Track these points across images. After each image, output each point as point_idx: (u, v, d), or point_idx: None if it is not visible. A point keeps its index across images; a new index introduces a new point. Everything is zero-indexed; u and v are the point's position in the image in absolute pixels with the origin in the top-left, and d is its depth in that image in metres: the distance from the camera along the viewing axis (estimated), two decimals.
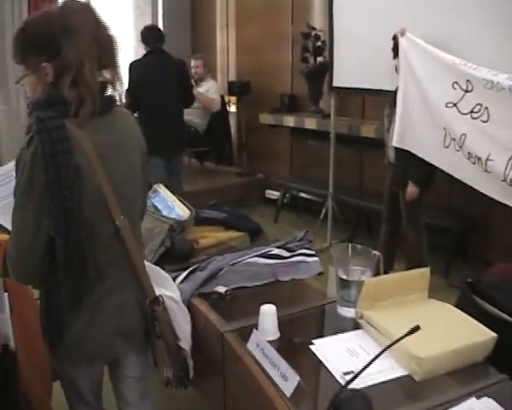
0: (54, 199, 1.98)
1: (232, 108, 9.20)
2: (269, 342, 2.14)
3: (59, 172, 1.97)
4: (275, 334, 2.28)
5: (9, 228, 2.14)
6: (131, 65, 6.52)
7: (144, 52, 6.64)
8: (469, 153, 3.99)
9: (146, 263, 2.43)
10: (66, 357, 2.30)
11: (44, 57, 2.03)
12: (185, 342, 2.57)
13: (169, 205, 3.37)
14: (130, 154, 2.30)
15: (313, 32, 7.54)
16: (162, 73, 6.38)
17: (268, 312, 2.28)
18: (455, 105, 4.06)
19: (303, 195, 8.03)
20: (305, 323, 2.57)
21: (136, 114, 6.89)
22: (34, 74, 2.09)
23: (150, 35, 6.55)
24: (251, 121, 8.79)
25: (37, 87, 2.11)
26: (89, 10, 2.10)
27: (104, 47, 2.10)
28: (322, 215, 6.99)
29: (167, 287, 2.56)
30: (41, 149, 1.95)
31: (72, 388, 2.43)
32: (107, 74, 2.16)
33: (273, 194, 8.65)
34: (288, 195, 8.22)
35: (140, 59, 6.65)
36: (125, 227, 2.19)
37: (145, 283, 2.33)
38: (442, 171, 4.49)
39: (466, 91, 3.98)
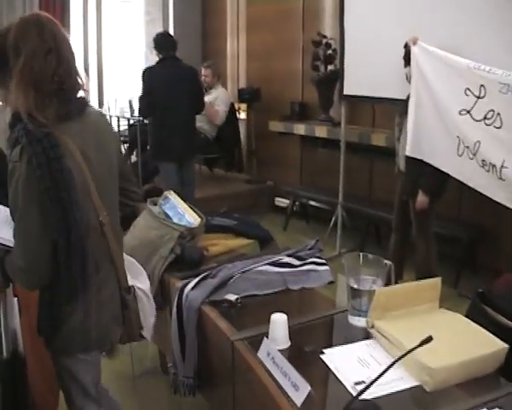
0: (53, 203, 2.08)
1: (242, 115, 9.20)
2: (279, 350, 2.13)
3: (54, 177, 2.08)
4: (285, 343, 2.27)
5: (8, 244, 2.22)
6: (145, 72, 6.59)
7: (155, 58, 6.74)
8: (483, 160, 3.96)
9: (124, 256, 2.58)
10: (64, 349, 2.38)
11: (5, 72, 2.13)
12: (147, 332, 2.70)
13: (179, 212, 3.37)
14: (109, 152, 2.42)
15: (324, 40, 7.54)
16: (175, 80, 6.43)
17: (279, 320, 2.27)
18: (468, 112, 4.04)
19: (312, 203, 8.02)
20: (316, 332, 2.57)
21: (146, 120, 6.98)
22: (1, 88, 2.20)
23: (163, 42, 6.62)
24: (261, 128, 8.79)
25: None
26: (43, 24, 2.18)
27: (59, 58, 2.17)
28: (331, 223, 6.98)
29: (140, 280, 2.69)
30: (35, 158, 2.04)
31: (74, 381, 2.48)
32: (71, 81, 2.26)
33: (282, 201, 8.64)
34: (297, 202, 8.21)
35: (153, 66, 6.71)
36: (107, 223, 2.33)
37: (120, 274, 2.47)
38: (451, 180, 4.48)
39: (478, 98, 3.96)
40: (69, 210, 2.12)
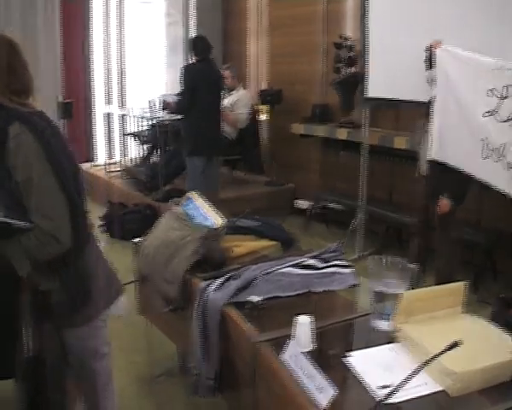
0: (63, 160, 2.34)
1: (263, 117, 9.17)
2: (303, 353, 2.12)
3: (58, 138, 2.41)
4: (309, 345, 2.26)
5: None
6: (186, 69, 6.94)
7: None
8: (509, 162, 3.90)
9: None
10: (90, 314, 2.54)
11: None
12: None
13: (202, 213, 3.36)
14: None
15: (346, 43, 7.52)
16: (212, 80, 6.93)
17: (304, 323, 2.26)
18: (492, 114, 3.99)
19: (332, 205, 7.98)
20: (339, 335, 2.56)
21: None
22: None
23: (201, 44, 6.98)
24: (282, 130, 8.78)
25: None
26: (6, 43, 2.36)
27: (16, 75, 2.36)
28: (351, 227, 6.95)
29: None
30: (39, 125, 2.29)
31: (94, 356, 2.67)
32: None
33: (302, 204, 8.61)
34: (317, 205, 8.18)
35: (193, 64, 7.07)
36: None
37: None
38: (472, 185, 4.45)
39: (502, 98, 3.92)
40: (76, 165, 2.47)
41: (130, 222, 7.19)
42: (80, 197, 2.44)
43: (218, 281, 2.89)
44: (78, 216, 2.37)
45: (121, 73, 10.04)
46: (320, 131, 7.98)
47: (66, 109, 8.69)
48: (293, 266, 3.08)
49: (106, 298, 2.60)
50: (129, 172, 8.75)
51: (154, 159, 8.87)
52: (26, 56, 2.41)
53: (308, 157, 8.76)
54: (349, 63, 7.52)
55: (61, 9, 9.03)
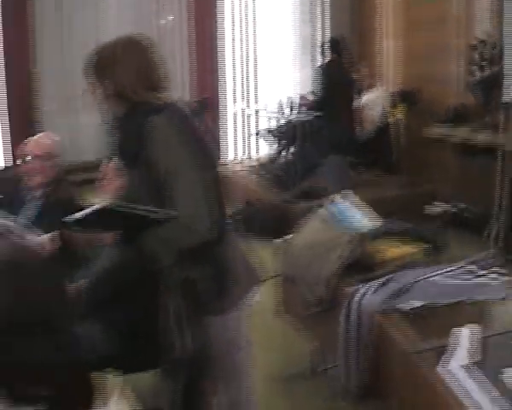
0: (196, 148, 2.40)
1: (396, 118, 9.05)
2: (465, 366, 2.07)
3: (192, 130, 2.50)
4: (472, 358, 2.18)
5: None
6: (320, 69, 7.42)
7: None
8: None
9: None
10: (233, 301, 2.58)
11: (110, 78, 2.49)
12: None
13: (353, 215, 3.33)
14: None
15: (483, 44, 7.32)
16: (345, 80, 7.33)
17: (468, 335, 2.19)
18: None
19: (467, 212, 7.77)
20: (495, 349, 2.47)
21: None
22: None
23: (336, 45, 7.34)
24: (415, 132, 8.61)
25: None
26: (139, 45, 2.54)
27: (151, 73, 2.50)
28: (488, 235, 6.73)
29: None
30: (177, 120, 2.39)
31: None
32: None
33: (435, 209, 8.40)
34: (450, 211, 7.97)
35: (327, 64, 7.40)
36: None
37: None
38: None
39: None
40: (213, 157, 2.62)
41: (263, 220, 7.21)
42: (218, 189, 2.50)
43: (373, 285, 2.86)
44: (216, 207, 2.41)
45: (255, 70, 10.16)
46: (456, 134, 7.77)
47: (200, 107, 8.87)
48: (444, 273, 3.01)
49: (243, 289, 2.62)
50: (262, 170, 8.82)
51: (287, 157, 8.92)
52: (158, 55, 2.54)
53: (442, 160, 8.54)
54: (487, 65, 7.31)
55: (192, 8, 9.28)
